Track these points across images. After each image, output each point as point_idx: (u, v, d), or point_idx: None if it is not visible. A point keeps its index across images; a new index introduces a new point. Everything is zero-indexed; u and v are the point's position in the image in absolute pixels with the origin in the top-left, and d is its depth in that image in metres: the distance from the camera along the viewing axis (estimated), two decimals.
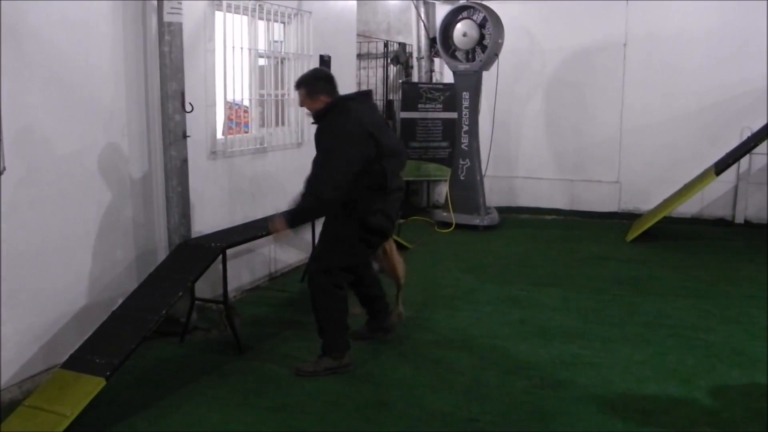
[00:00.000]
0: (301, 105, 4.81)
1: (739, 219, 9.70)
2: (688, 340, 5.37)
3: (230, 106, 6.31)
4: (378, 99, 10.84)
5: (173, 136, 5.22)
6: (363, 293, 5.18)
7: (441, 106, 9.79)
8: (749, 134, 8.96)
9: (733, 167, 9.02)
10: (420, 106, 9.79)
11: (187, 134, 5.30)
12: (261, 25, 6.68)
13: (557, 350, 5.16)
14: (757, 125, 8.88)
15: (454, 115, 9.57)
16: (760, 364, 4.90)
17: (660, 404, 4.29)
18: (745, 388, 4.52)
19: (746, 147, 8.62)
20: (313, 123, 4.79)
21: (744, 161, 9.26)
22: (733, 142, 9.07)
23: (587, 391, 4.48)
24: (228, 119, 6.27)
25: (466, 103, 9.44)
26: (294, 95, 7.00)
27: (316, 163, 4.63)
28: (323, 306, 4.75)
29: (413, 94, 9.84)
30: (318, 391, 4.46)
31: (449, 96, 9.75)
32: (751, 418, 4.11)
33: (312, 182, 4.56)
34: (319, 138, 4.65)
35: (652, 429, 4.00)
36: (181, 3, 5.09)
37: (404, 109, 9.86)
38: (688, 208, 9.48)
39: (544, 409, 4.22)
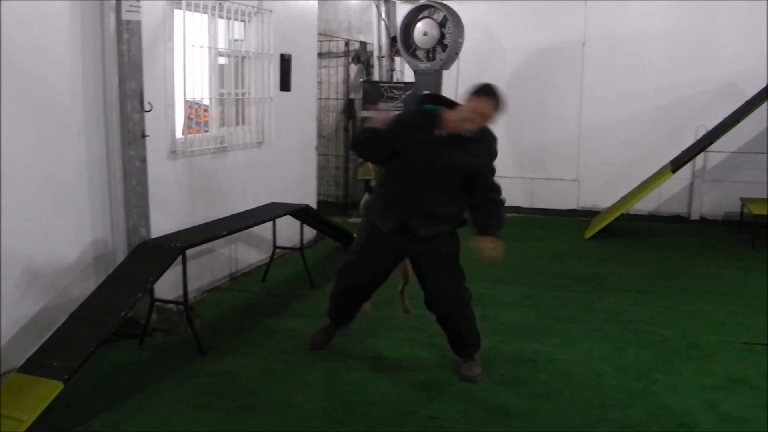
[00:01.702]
0: (481, 117, 4.24)
1: (695, 216, 9.90)
2: (645, 335, 5.47)
3: (190, 105, 6.26)
4: (339, 98, 10.84)
5: (132, 135, 5.17)
6: (357, 300, 5.06)
7: (402, 105, 9.80)
8: (704, 132, 9.14)
9: (689, 165, 9.19)
10: (381, 105, 9.79)
11: (146, 134, 5.25)
12: (221, 23, 6.64)
13: (517, 347, 5.21)
14: (711, 124, 9.06)
15: None
16: (715, 358, 5.01)
17: (618, 398, 4.36)
18: (700, 381, 4.61)
19: (701, 145, 8.81)
20: (458, 136, 4.32)
21: (699, 159, 9.45)
22: (689, 140, 9.25)
23: (547, 386, 4.54)
24: (188, 118, 6.22)
25: None
26: (255, 93, 7.01)
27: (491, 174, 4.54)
28: (472, 313, 4.77)
29: (374, 93, 9.84)
30: (281, 391, 4.45)
31: (410, 95, 9.76)
32: (707, 410, 4.20)
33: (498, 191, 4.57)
34: (481, 152, 4.42)
35: (611, 423, 4.06)
36: (139, 1, 5.04)
37: (365, 108, 9.85)
38: (645, 205, 9.63)
39: (504, 406, 4.27)
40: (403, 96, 9.77)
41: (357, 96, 10.54)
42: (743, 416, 4.13)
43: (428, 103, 4.46)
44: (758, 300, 6.31)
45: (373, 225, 4.65)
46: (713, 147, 8.92)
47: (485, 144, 4.42)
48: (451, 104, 4.42)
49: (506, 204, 4.63)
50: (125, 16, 4.99)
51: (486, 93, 4.22)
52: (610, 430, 3.99)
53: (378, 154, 4.58)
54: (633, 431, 3.98)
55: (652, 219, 9.97)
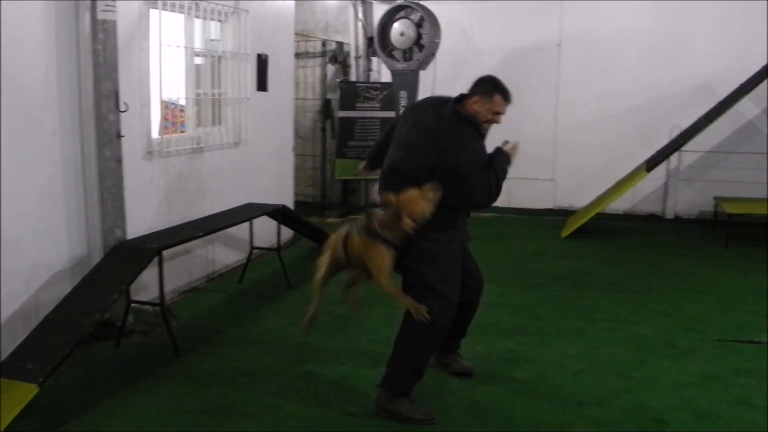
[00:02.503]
0: (497, 117, 4.18)
1: (670, 215, 9.99)
2: (621, 333, 5.52)
3: (166, 106, 6.22)
4: (316, 98, 10.83)
5: (107, 136, 5.14)
6: None
7: (379, 105, 9.82)
8: (678, 132, 9.23)
9: (663, 164, 9.28)
10: (358, 105, 9.81)
11: (122, 134, 5.22)
12: (197, 23, 6.61)
13: (494, 346, 5.23)
14: (685, 124, 9.16)
15: (391, 114, 9.61)
16: (689, 355, 5.06)
17: (595, 396, 4.39)
18: (675, 378, 4.66)
19: (675, 145, 8.90)
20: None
21: (673, 158, 9.55)
22: (663, 140, 9.34)
23: (524, 385, 4.56)
24: (164, 119, 6.18)
25: (403, 102, 9.51)
26: (231, 94, 7.00)
27: None
28: None
29: (351, 93, 9.85)
30: (259, 392, 4.44)
31: (387, 95, 9.79)
32: (681, 407, 4.25)
33: None
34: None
35: (588, 421, 4.09)
36: (115, 1, 5.00)
37: (342, 108, 9.86)
38: (620, 204, 9.71)
39: (482, 405, 4.29)
40: (380, 96, 9.79)
41: (334, 96, 10.52)
42: (717, 413, 4.18)
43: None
44: (731, 298, 6.39)
45: (450, 246, 4.13)
46: (687, 147, 9.02)
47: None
48: (464, 98, 4.23)
49: None
50: (100, 16, 4.96)
51: (493, 92, 4.11)
52: (586, 428, 4.02)
53: None
54: (609, 429, 4.01)
55: (628, 218, 10.05)
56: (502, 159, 4.06)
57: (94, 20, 4.98)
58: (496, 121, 4.17)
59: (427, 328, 4.00)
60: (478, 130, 4.13)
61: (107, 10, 4.98)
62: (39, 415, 4.02)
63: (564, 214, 10.16)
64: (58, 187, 5.00)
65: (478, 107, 4.10)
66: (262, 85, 7.55)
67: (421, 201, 3.82)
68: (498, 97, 4.09)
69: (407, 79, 9.54)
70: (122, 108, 5.20)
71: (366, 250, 3.88)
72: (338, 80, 10.52)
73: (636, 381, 4.63)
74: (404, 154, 4.13)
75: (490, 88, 4.11)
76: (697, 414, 4.16)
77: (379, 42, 9.62)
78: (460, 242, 4.22)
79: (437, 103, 4.25)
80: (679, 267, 7.53)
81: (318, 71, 10.75)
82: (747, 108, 9.23)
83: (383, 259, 3.88)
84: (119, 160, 5.24)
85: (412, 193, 3.84)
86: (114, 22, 5.05)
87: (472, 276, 4.44)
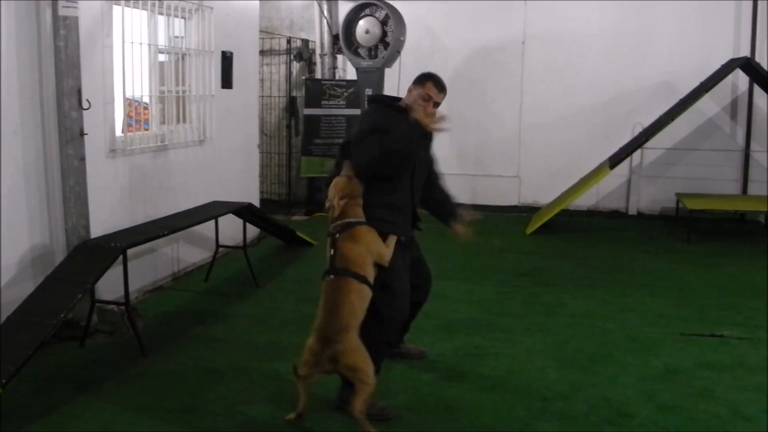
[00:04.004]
0: (428, 102, 4.24)
1: (632, 211, 10.13)
2: (585, 328, 5.57)
3: (129, 103, 6.16)
4: (281, 96, 10.79)
5: (70, 134, 5.08)
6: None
7: (344, 102, 9.82)
8: (641, 130, 9.36)
9: (626, 161, 9.40)
10: (323, 102, 9.80)
11: (85, 132, 5.16)
12: (161, 20, 6.56)
13: (461, 342, 5.26)
14: (648, 121, 9.29)
15: (357, 111, 9.61)
16: (652, 349, 5.13)
17: (560, 391, 4.44)
18: (638, 372, 4.72)
19: (638, 142, 9.01)
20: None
21: (636, 155, 9.68)
22: (626, 138, 9.46)
23: (490, 381, 4.60)
24: (127, 116, 6.12)
25: None
26: (196, 91, 6.95)
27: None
28: None
29: (317, 90, 9.84)
30: (224, 392, 4.42)
31: (352, 93, 9.79)
32: (645, 400, 4.30)
33: None
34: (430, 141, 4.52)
35: (553, 415, 4.13)
36: None
37: (308, 105, 9.85)
38: (584, 201, 9.82)
39: (449, 401, 4.31)
40: (345, 94, 9.79)
41: (299, 94, 10.51)
42: (680, 405, 4.24)
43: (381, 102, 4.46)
44: (693, 292, 6.49)
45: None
46: (649, 144, 9.15)
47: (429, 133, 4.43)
48: (395, 100, 4.45)
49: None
50: (62, 12, 4.90)
51: (425, 79, 4.30)
52: (552, 422, 4.06)
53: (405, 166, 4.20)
54: (575, 423, 4.05)
55: (591, 214, 10.17)
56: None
57: (55, 17, 4.93)
58: (427, 109, 4.23)
59: (377, 321, 4.09)
60: (400, 111, 4.22)
61: (69, 7, 4.92)
62: (2, 417, 3.96)
63: (529, 210, 10.25)
64: (20, 186, 4.93)
65: (411, 96, 4.30)
66: (226, 82, 7.51)
67: (340, 179, 4.13)
68: (429, 83, 4.28)
69: (372, 77, 9.55)
70: (85, 105, 5.14)
71: (359, 242, 4.06)
72: (303, 78, 10.50)
73: (600, 375, 4.68)
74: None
75: (423, 76, 4.34)
76: (660, 407, 4.22)
77: (344, 39, 9.61)
78: (400, 238, 4.35)
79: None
80: (642, 262, 7.63)
81: (283, 69, 10.72)
82: (708, 106, 9.41)
83: (375, 241, 4.14)
84: (82, 158, 5.18)
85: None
86: (76, 19, 4.99)
87: (423, 278, 4.67)
